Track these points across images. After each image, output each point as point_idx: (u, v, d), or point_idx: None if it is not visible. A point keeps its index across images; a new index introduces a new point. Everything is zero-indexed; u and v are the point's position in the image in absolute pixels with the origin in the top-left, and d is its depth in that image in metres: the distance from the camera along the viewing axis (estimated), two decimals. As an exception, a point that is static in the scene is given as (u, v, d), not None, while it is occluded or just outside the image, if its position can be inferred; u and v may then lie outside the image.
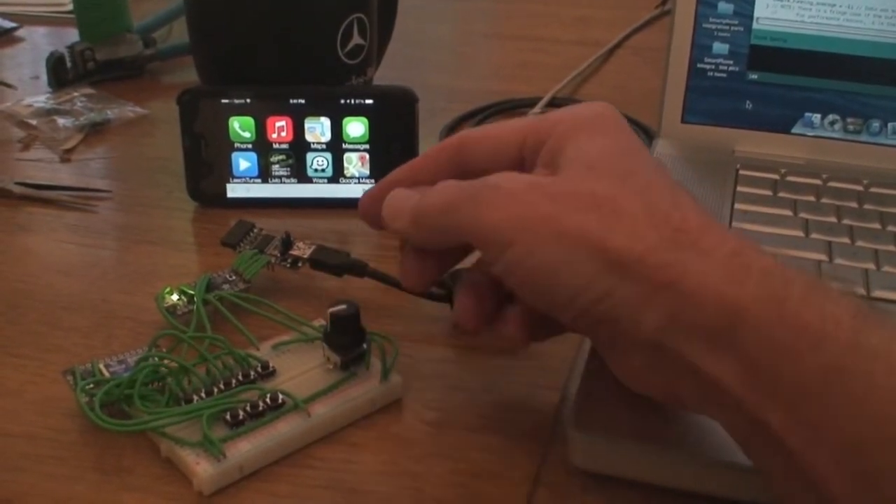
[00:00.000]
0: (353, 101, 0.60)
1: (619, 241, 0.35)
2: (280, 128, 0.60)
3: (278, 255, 0.53)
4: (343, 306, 0.45)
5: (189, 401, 0.42)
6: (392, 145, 0.60)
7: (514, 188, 0.37)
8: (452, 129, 0.73)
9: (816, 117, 0.62)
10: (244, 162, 0.61)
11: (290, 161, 0.61)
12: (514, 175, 0.38)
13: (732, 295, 0.33)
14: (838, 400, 0.31)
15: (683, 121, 0.63)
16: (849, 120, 0.61)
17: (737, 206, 0.56)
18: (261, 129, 0.60)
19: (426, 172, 0.43)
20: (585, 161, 0.38)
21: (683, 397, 0.37)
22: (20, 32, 0.96)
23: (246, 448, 0.41)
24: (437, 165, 0.43)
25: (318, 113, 0.60)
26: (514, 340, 0.44)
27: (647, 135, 0.71)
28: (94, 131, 0.73)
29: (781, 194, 0.58)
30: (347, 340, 0.45)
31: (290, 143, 0.60)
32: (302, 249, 0.53)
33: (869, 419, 0.31)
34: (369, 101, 0.60)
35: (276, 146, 0.60)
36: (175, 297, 0.50)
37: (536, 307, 0.39)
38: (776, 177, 0.59)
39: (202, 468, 0.39)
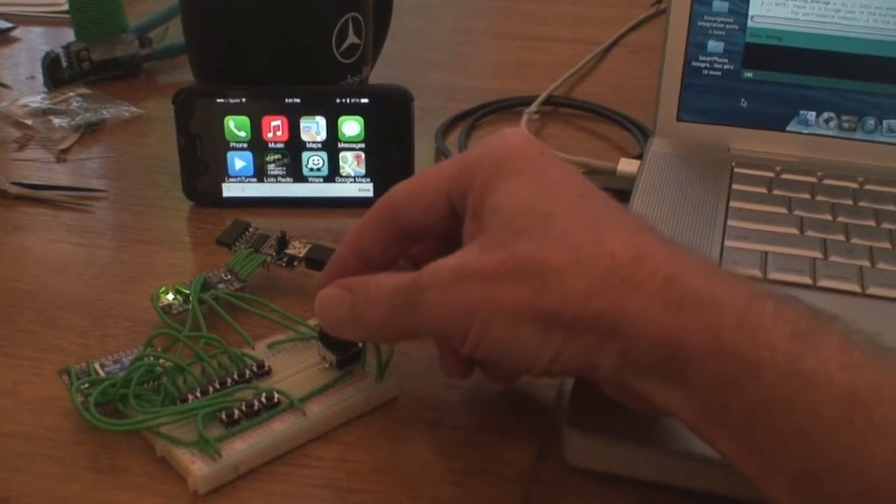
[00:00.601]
0: (348, 101, 0.60)
1: (551, 302, 0.35)
2: (275, 127, 0.60)
3: (274, 254, 0.53)
4: None
5: (184, 400, 0.42)
6: (388, 144, 0.60)
7: (444, 282, 0.37)
8: (448, 127, 0.73)
9: (811, 115, 0.62)
10: (240, 161, 0.61)
11: (286, 160, 0.61)
12: (438, 266, 0.38)
13: (671, 328, 0.34)
14: (785, 431, 0.32)
15: (679, 119, 0.63)
16: (844, 118, 0.61)
17: (732, 203, 0.56)
18: (256, 129, 0.60)
19: (369, 241, 0.43)
20: (503, 217, 0.37)
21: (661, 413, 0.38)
22: (16, 32, 0.95)
23: (241, 447, 0.41)
24: (376, 232, 0.43)
25: (313, 112, 0.60)
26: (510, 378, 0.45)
27: (643, 133, 0.71)
28: (90, 131, 0.73)
29: (776, 192, 0.58)
30: (343, 340, 0.45)
31: (286, 143, 0.60)
32: (297, 248, 0.53)
33: (816, 449, 0.31)
34: (365, 101, 0.60)
35: (271, 145, 0.60)
36: (170, 296, 0.50)
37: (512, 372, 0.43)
38: (771, 175, 0.59)
39: (197, 467, 0.40)
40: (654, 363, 0.34)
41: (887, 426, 0.30)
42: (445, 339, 0.40)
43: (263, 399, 0.42)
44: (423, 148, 0.65)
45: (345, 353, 0.45)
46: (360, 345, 0.45)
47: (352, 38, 0.65)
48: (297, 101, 0.60)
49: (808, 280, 0.50)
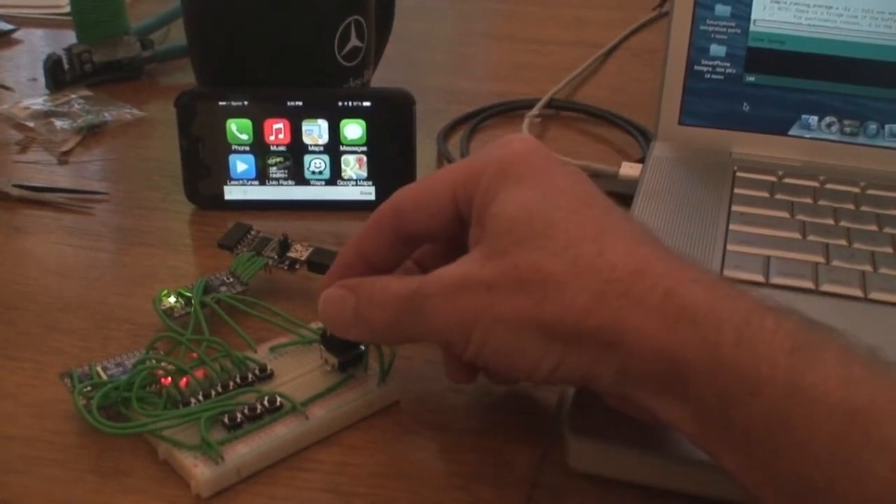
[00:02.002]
0: (350, 104, 0.60)
1: (552, 314, 0.35)
2: (277, 130, 0.60)
3: (276, 257, 0.53)
4: None
5: (187, 403, 0.42)
6: (390, 147, 0.60)
7: (447, 291, 0.38)
8: (450, 130, 0.73)
9: (813, 119, 0.62)
10: (241, 164, 0.61)
11: (288, 163, 0.61)
12: (440, 274, 0.38)
13: (672, 343, 0.34)
14: (784, 446, 0.32)
15: (681, 123, 0.63)
16: (846, 122, 0.61)
17: (734, 208, 0.56)
18: (258, 132, 0.60)
19: (373, 244, 0.43)
20: (504, 225, 0.37)
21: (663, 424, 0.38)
22: (17, 34, 0.95)
23: (244, 451, 0.41)
24: (380, 236, 0.43)
25: (315, 115, 0.60)
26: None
27: (645, 136, 0.71)
28: (92, 133, 0.73)
29: (778, 196, 0.58)
30: (345, 342, 0.45)
31: (288, 146, 0.60)
32: (299, 251, 0.53)
33: (815, 464, 0.31)
34: (367, 104, 0.60)
35: (273, 148, 0.60)
36: (172, 299, 0.50)
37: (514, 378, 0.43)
38: (773, 179, 0.59)
39: (200, 471, 0.39)
40: (654, 378, 0.35)
41: (886, 442, 0.30)
42: (448, 345, 0.40)
43: (266, 402, 0.42)
44: (424, 151, 0.65)
45: (347, 356, 0.45)
46: (363, 347, 0.45)
47: (354, 42, 0.65)
48: (300, 104, 0.60)
49: (810, 285, 0.50)
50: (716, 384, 0.33)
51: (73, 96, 0.78)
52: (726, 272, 0.50)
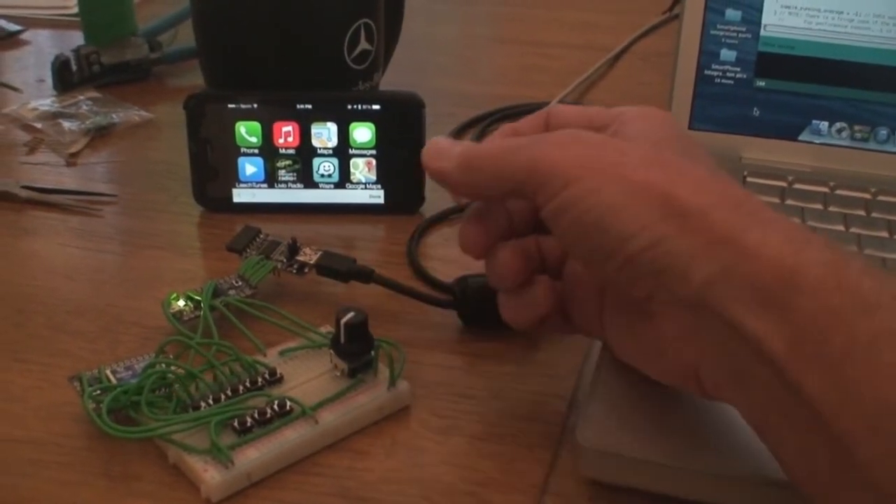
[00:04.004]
0: (359, 107, 0.60)
1: (684, 193, 0.35)
2: (287, 133, 0.60)
3: (284, 260, 0.53)
4: (351, 314, 0.44)
5: (196, 407, 0.42)
6: (399, 151, 0.60)
7: (581, 135, 0.39)
8: (458, 134, 0.73)
9: (824, 125, 0.61)
10: (250, 167, 0.61)
11: (297, 166, 0.61)
12: (580, 129, 0.40)
13: (791, 257, 0.33)
14: (882, 363, 0.31)
15: (691, 127, 0.63)
16: (856, 127, 0.61)
17: (744, 213, 0.56)
18: (267, 134, 0.60)
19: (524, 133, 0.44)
20: (649, 137, 0.40)
21: (707, 374, 0.37)
22: (25, 35, 0.96)
23: (254, 455, 0.40)
24: (533, 129, 0.44)
25: (324, 118, 0.60)
26: (536, 309, 0.43)
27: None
28: (100, 135, 0.73)
29: (789, 202, 0.57)
30: (355, 348, 0.44)
31: (297, 149, 0.60)
32: (308, 255, 0.53)
33: None
34: (376, 107, 0.60)
35: (282, 151, 0.60)
36: (181, 302, 0.50)
37: (578, 252, 0.39)
38: (783, 184, 0.59)
39: (210, 475, 0.39)
40: (760, 285, 0.33)
41: None
42: (545, 184, 0.38)
43: (276, 407, 0.42)
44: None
45: (357, 361, 0.45)
46: (372, 353, 0.45)
47: (363, 45, 0.65)
48: (309, 107, 0.60)
49: (821, 291, 0.49)
50: (830, 301, 0.32)
51: (81, 98, 0.78)
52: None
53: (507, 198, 0.43)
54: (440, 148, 0.42)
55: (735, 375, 0.35)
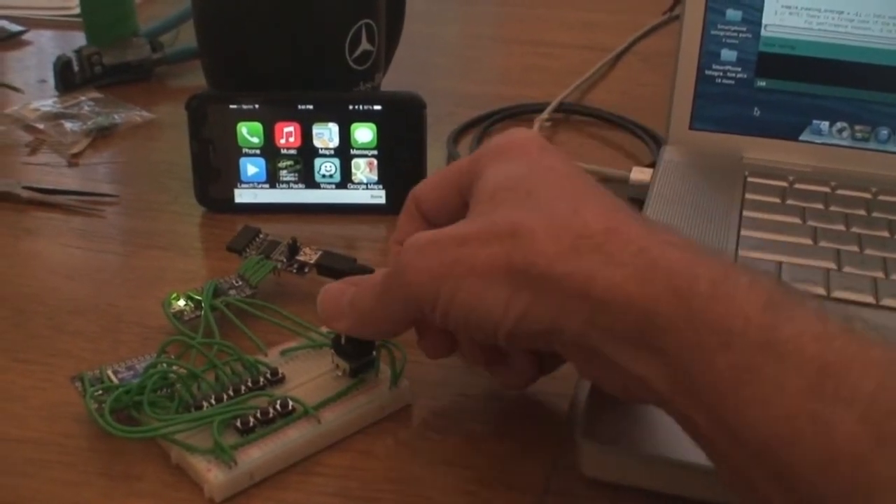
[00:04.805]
0: (361, 107, 0.60)
1: (521, 259, 0.36)
2: (288, 133, 0.60)
3: (284, 260, 0.53)
4: None
5: (199, 407, 0.42)
6: (400, 151, 0.60)
7: (420, 246, 0.39)
8: (460, 134, 0.73)
9: (825, 125, 0.61)
10: (252, 167, 0.61)
11: (298, 166, 0.61)
12: (418, 235, 0.39)
13: (641, 296, 0.34)
14: (752, 398, 0.31)
15: (691, 127, 0.63)
16: (857, 127, 0.61)
17: (745, 213, 0.56)
18: (269, 135, 0.60)
19: (405, 232, 0.45)
20: (489, 191, 0.39)
21: (634, 395, 0.38)
22: (27, 36, 0.96)
23: (256, 455, 0.41)
24: (411, 225, 0.45)
25: (326, 118, 0.60)
26: (524, 376, 0.44)
27: (655, 141, 0.71)
28: (102, 135, 0.73)
29: (790, 202, 0.57)
30: (357, 348, 0.44)
31: (298, 149, 0.60)
32: (308, 255, 0.53)
33: (782, 416, 0.31)
34: (377, 107, 0.60)
35: (284, 151, 0.60)
36: (182, 302, 0.50)
37: (476, 340, 0.42)
38: (784, 184, 0.59)
39: (213, 475, 0.39)
40: (624, 330, 0.34)
41: (856, 395, 0.30)
42: (421, 313, 0.40)
43: (278, 406, 0.42)
44: (435, 155, 0.65)
45: (358, 361, 0.45)
46: (374, 352, 0.45)
47: (365, 45, 0.65)
48: (310, 107, 0.60)
49: (822, 291, 0.50)
50: (686, 336, 0.33)
51: (83, 98, 0.78)
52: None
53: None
54: (334, 306, 0.43)
55: (652, 400, 0.37)
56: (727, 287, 0.33)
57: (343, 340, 0.44)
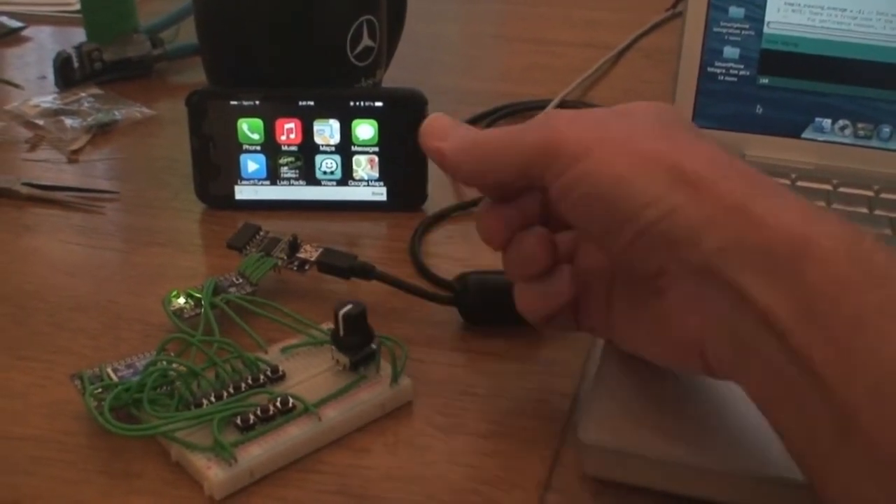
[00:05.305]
0: (362, 104, 0.60)
1: (693, 163, 0.35)
2: (289, 130, 0.60)
3: (285, 257, 0.53)
4: (349, 306, 0.44)
5: (199, 405, 0.42)
6: (402, 148, 0.60)
7: (589, 112, 0.39)
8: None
9: (827, 122, 0.61)
10: (252, 164, 0.61)
11: (299, 163, 0.60)
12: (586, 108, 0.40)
13: (802, 227, 0.33)
14: (890, 332, 0.31)
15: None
16: (859, 125, 0.61)
17: (747, 211, 0.56)
18: (269, 131, 0.60)
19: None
20: (658, 119, 0.39)
21: (712, 349, 0.36)
22: (27, 32, 0.96)
23: (257, 452, 0.40)
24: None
25: (327, 115, 0.60)
26: (558, 298, 0.42)
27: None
28: (102, 132, 0.73)
29: (792, 199, 0.57)
30: (356, 340, 0.44)
31: (299, 146, 0.60)
32: (309, 252, 0.53)
33: None
34: (379, 104, 0.59)
35: (284, 148, 0.60)
36: (182, 300, 0.50)
37: (589, 229, 0.39)
38: (787, 182, 0.59)
39: (214, 472, 0.39)
40: (770, 254, 0.33)
41: None
42: (546, 169, 0.38)
43: (278, 404, 0.42)
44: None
45: (358, 354, 0.44)
46: (374, 346, 0.45)
47: (366, 41, 0.65)
48: (311, 103, 0.59)
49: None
50: (841, 271, 0.32)
51: (83, 94, 0.78)
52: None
53: (509, 182, 0.41)
54: (441, 126, 0.42)
55: (740, 348, 0.35)
56: (889, 248, 0.33)
57: (342, 332, 0.44)
